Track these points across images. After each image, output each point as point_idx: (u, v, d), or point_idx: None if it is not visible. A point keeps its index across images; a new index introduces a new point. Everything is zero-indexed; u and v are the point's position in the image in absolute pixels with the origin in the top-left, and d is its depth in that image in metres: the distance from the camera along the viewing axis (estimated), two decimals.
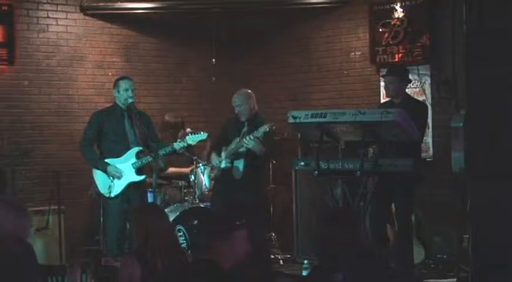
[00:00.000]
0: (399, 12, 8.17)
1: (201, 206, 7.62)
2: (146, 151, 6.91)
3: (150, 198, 7.15)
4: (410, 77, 6.99)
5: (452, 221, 7.28)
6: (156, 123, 7.47)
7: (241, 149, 7.08)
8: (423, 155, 7.47)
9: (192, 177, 7.79)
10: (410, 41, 8.09)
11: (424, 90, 7.98)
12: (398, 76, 6.77)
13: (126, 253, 6.47)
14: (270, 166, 8.46)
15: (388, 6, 8.27)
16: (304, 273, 6.37)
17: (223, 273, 3.66)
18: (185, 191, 7.89)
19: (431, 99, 7.93)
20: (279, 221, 8.25)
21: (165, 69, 9.32)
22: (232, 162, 7.16)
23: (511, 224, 4.81)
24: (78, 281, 5.56)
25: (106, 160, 6.92)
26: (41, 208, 7.65)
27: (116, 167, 6.87)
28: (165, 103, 9.15)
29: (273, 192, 8.51)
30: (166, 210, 7.11)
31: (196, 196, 7.75)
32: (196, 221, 7.37)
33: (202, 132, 7.07)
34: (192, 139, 6.98)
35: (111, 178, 6.88)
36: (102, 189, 6.93)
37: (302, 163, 6.39)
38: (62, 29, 8.53)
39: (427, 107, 7.08)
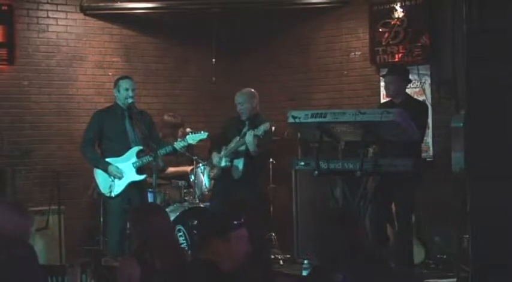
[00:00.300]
0: (399, 12, 8.17)
1: (201, 206, 7.62)
2: (147, 150, 6.92)
3: (150, 198, 7.15)
4: (410, 77, 6.99)
5: (452, 221, 7.29)
6: (155, 123, 7.47)
7: (240, 148, 7.08)
8: (423, 155, 7.47)
9: (192, 177, 7.79)
10: (410, 41, 8.09)
11: (424, 90, 7.98)
12: (399, 76, 6.77)
13: (126, 253, 6.47)
14: (270, 166, 8.46)
15: (388, 6, 8.27)
16: (304, 273, 6.37)
17: (223, 273, 3.67)
18: (185, 191, 7.88)
19: (431, 99, 7.93)
20: (279, 221, 8.24)
21: (165, 69, 9.32)
22: (232, 162, 7.16)
23: (511, 224, 4.81)
24: (78, 281, 5.56)
25: (107, 159, 6.93)
26: (41, 208, 7.65)
27: (116, 167, 6.88)
28: (165, 103, 9.15)
29: (273, 192, 8.51)
30: (166, 210, 7.11)
31: (196, 196, 7.75)
32: (196, 221, 7.37)
33: (202, 132, 7.07)
34: (192, 138, 6.98)
35: (112, 178, 6.89)
36: (103, 188, 6.94)
37: (302, 163, 6.39)
38: (62, 29, 8.53)
39: (427, 107, 7.08)
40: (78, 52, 8.64)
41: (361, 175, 5.92)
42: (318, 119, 5.99)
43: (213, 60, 9.33)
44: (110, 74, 8.74)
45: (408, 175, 6.04)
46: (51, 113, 8.46)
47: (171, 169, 8.12)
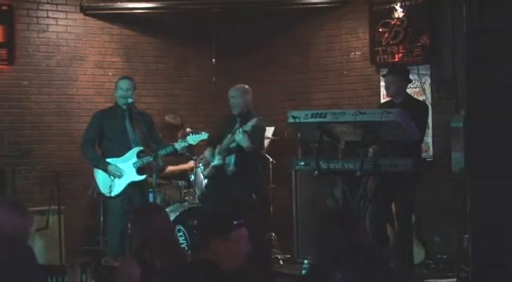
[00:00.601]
0: (399, 12, 8.17)
1: (201, 206, 7.61)
2: (147, 151, 6.92)
3: (150, 198, 7.15)
4: (410, 77, 6.99)
5: (452, 221, 7.29)
6: (155, 123, 7.47)
7: (231, 145, 7.07)
8: (423, 155, 7.47)
9: (192, 177, 7.79)
10: (410, 41, 8.09)
11: (424, 90, 7.98)
12: (399, 76, 6.77)
13: (126, 253, 6.47)
14: (270, 166, 8.46)
15: (388, 6, 8.27)
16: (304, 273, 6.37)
17: (223, 273, 3.67)
18: (185, 191, 7.88)
19: (431, 99, 7.93)
20: (279, 221, 8.25)
21: (165, 69, 9.31)
22: (224, 159, 7.16)
23: (511, 224, 4.81)
24: (78, 281, 5.56)
25: (107, 160, 6.93)
26: (41, 208, 7.65)
27: (116, 167, 6.88)
28: (165, 103, 9.15)
29: (273, 192, 8.51)
30: (166, 210, 7.11)
31: (196, 196, 7.75)
32: (196, 221, 7.37)
33: (203, 132, 7.07)
34: (193, 139, 6.99)
35: (112, 178, 6.89)
36: (103, 188, 6.95)
37: (302, 163, 6.39)
38: (62, 29, 8.53)
39: (427, 107, 7.08)
40: (78, 52, 8.64)
41: (361, 175, 5.92)
42: (318, 119, 5.99)
43: (213, 60, 9.33)
44: (110, 74, 8.75)
45: (408, 175, 6.03)
46: (51, 113, 8.45)
47: (170, 168, 8.12)
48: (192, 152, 7.68)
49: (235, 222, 3.72)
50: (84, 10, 8.64)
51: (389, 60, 8.22)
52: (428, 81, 8.01)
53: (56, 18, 8.49)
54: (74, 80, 8.61)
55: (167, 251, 4.36)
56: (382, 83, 7.84)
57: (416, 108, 6.58)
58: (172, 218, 7.24)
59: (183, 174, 8.03)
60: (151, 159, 6.77)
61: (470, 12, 5.01)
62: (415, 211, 7.03)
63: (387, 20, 8.26)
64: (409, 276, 4.80)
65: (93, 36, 8.75)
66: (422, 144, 7.04)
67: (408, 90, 7.12)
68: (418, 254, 7.21)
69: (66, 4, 8.55)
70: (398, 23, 8.17)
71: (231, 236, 3.68)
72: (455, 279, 6.56)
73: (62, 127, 8.50)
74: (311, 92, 9.04)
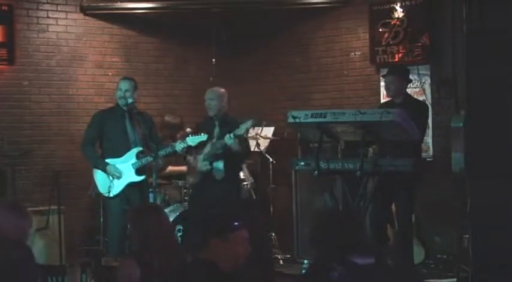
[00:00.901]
0: (399, 12, 8.16)
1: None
2: (147, 151, 6.92)
3: (150, 198, 7.15)
4: (410, 77, 6.99)
5: (452, 221, 7.29)
6: (156, 123, 7.47)
7: (219, 151, 7.04)
8: (423, 155, 7.47)
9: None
10: (410, 41, 8.09)
11: (424, 90, 7.98)
12: (399, 76, 6.77)
13: (126, 253, 6.47)
14: (270, 166, 8.47)
15: (388, 6, 8.27)
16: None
17: (223, 274, 3.67)
18: (185, 191, 7.88)
19: (431, 99, 7.93)
20: (279, 221, 8.24)
21: (165, 69, 9.32)
22: (211, 164, 7.12)
23: (511, 224, 4.81)
24: (78, 281, 5.57)
25: (106, 160, 6.93)
26: (41, 208, 7.64)
27: (115, 167, 6.88)
28: (165, 103, 9.15)
29: (273, 192, 8.51)
30: (166, 210, 7.11)
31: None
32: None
33: (202, 133, 7.05)
34: (192, 140, 6.97)
35: (111, 178, 6.89)
36: (102, 188, 6.95)
37: (302, 163, 6.39)
38: (62, 29, 8.53)
39: (427, 107, 7.08)
40: (78, 52, 8.64)
41: (361, 175, 5.91)
42: (318, 119, 5.99)
43: (213, 60, 9.33)
44: (110, 74, 8.75)
45: (408, 175, 6.03)
46: (51, 113, 8.45)
47: (170, 168, 8.12)
48: (191, 152, 7.66)
49: (235, 223, 3.72)
50: (84, 10, 8.64)
51: (389, 60, 8.22)
52: (428, 81, 8.01)
53: (56, 18, 8.49)
54: (74, 80, 8.61)
55: (167, 251, 4.35)
56: (382, 83, 7.84)
57: (416, 108, 6.58)
58: (172, 218, 7.26)
59: (183, 174, 8.02)
60: (150, 159, 6.76)
61: (470, 12, 5.01)
62: (415, 211, 7.03)
63: (387, 20, 8.26)
64: (409, 275, 4.79)
65: (93, 36, 8.75)
66: (422, 144, 7.04)
67: (408, 90, 7.12)
68: (418, 254, 7.20)
69: (66, 4, 8.55)
70: (398, 23, 8.17)
71: (231, 236, 3.68)
72: (455, 279, 6.56)
73: (62, 127, 8.50)
74: (311, 92, 9.04)
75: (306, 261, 6.73)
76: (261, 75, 9.47)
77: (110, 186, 6.88)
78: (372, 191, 6.13)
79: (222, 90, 7.31)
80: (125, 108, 6.97)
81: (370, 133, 5.90)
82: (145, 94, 8.85)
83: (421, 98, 7.73)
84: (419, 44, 8.02)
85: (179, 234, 7.27)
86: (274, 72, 9.41)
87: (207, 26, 9.25)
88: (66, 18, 8.56)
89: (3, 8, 8.07)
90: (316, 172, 6.12)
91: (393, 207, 6.81)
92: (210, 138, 7.05)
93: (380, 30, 8.32)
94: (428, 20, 8.00)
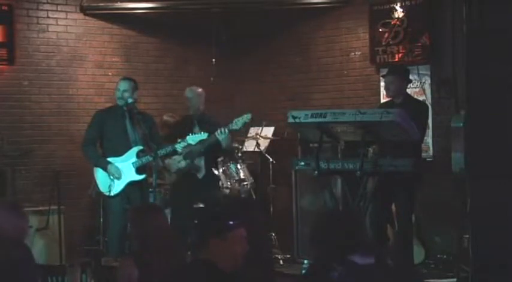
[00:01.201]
0: (399, 12, 8.16)
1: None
2: (147, 150, 6.92)
3: (150, 198, 7.15)
4: (410, 77, 6.99)
5: (452, 221, 7.28)
6: (156, 123, 7.47)
7: (204, 148, 7.11)
8: (423, 155, 7.47)
9: None
10: (410, 41, 8.09)
11: (424, 90, 7.98)
12: (399, 76, 6.76)
13: (125, 253, 6.47)
14: (270, 166, 8.47)
15: (388, 6, 8.27)
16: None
17: (223, 273, 3.67)
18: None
19: (431, 99, 7.93)
20: (279, 221, 8.24)
21: (165, 69, 9.32)
22: (192, 162, 7.20)
23: (511, 224, 4.81)
24: (78, 281, 5.57)
25: (107, 159, 6.94)
26: (41, 208, 7.64)
27: (116, 166, 6.89)
28: (165, 103, 9.15)
29: (273, 192, 8.51)
30: (166, 210, 7.11)
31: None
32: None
33: (202, 132, 7.06)
34: (192, 139, 6.98)
35: (111, 177, 6.89)
36: (102, 188, 6.95)
37: (302, 163, 6.38)
38: (62, 29, 8.53)
39: (427, 107, 7.08)
40: (78, 52, 8.64)
41: (361, 175, 5.91)
42: (318, 119, 5.98)
43: (213, 60, 9.33)
44: (110, 74, 8.75)
45: (408, 175, 6.03)
46: (51, 113, 8.46)
47: None
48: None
49: (233, 222, 3.72)
50: (84, 10, 8.64)
51: (389, 60, 8.22)
52: (428, 81, 8.01)
53: (56, 18, 8.49)
54: (74, 80, 8.61)
55: (166, 251, 4.35)
56: (382, 83, 7.84)
57: (416, 108, 6.58)
58: None
59: None
60: (150, 159, 6.76)
61: (470, 12, 5.01)
62: (415, 211, 7.03)
63: (387, 20, 8.26)
64: (408, 275, 4.80)
65: (93, 36, 8.75)
66: (422, 144, 7.04)
67: (408, 90, 7.12)
68: (418, 254, 7.20)
69: (66, 4, 8.55)
70: (398, 23, 8.17)
71: (229, 236, 3.68)
72: (455, 279, 6.55)
73: (62, 127, 8.50)
74: (311, 92, 9.04)
75: (306, 261, 6.73)
76: (261, 75, 9.46)
77: (110, 185, 6.88)
78: (372, 191, 6.13)
79: (200, 89, 7.53)
80: (124, 108, 6.97)
81: (370, 133, 5.90)
82: (145, 94, 8.85)
83: (421, 98, 7.73)
84: (419, 44, 8.02)
85: None
86: (274, 72, 9.41)
87: (207, 26, 9.25)
88: (66, 18, 8.56)
89: (3, 8, 8.07)
90: (316, 172, 6.12)
91: (393, 207, 6.81)
92: (187, 135, 7.11)
93: (380, 30, 8.32)
94: (428, 20, 8.00)
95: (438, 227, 7.72)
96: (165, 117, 8.43)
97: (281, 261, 7.68)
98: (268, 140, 8.67)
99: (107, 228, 7.20)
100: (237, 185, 8.19)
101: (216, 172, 7.75)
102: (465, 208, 5.63)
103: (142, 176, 6.97)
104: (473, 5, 4.98)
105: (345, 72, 8.75)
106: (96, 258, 6.33)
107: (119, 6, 8.73)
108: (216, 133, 7.00)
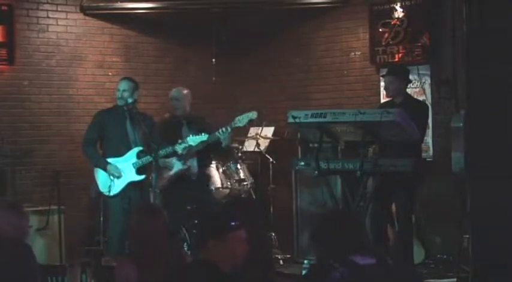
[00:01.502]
0: (399, 12, 8.17)
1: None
2: (147, 151, 6.92)
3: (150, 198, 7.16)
4: (410, 77, 6.99)
5: (452, 221, 7.28)
6: (157, 123, 7.47)
7: (200, 147, 7.13)
8: (423, 155, 7.47)
9: None
10: (410, 41, 8.09)
11: (424, 90, 7.98)
12: (399, 76, 6.77)
13: (125, 253, 6.47)
14: (270, 166, 8.47)
15: (388, 6, 8.27)
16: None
17: (223, 274, 3.67)
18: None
19: (431, 99, 7.93)
20: (279, 221, 8.25)
21: (165, 69, 9.32)
22: (185, 163, 7.23)
23: (511, 224, 4.81)
24: (78, 281, 5.56)
25: (107, 159, 6.94)
26: (41, 208, 7.64)
27: (115, 167, 6.89)
28: (165, 103, 9.12)
29: (273, 192, 8.51)
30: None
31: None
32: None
33: (202, 133, 7.06)
34: (193, 140, 6.98)
35: (111, 177, 6.90)
36: (102, 188, 6.96)
37: (302, 163, 6.39)
38: (62, 29, 8.53)
39: (427, 107, 7.08)
40: (78, 52, 8.64)
41: (361, 175, 5.92)
42: (318, 119, 5.99)
43: (213, 60, 9.33)
44: (110, 74, 8.75)
45: (408, 175, 6.03)
46: (51, 113, 8.45)
47: None
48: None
49: (232, 223, 3.72)
50: (84, 10, 8.64)
51: (389, 60, 8.22)
52: (428, 81, 8.01)
53: (56, 18, 8.49)
54: (74, 80, 8.61)
55: (166, 251, 4.35)
56: (382, 83, 7.84)
57: (416, 108, 6.58)
58: None
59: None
60: (150, 159, 6.76)
61: (470, 12, 5.01)
62: (415, 211, 7.03)
63: (387, 20, 8.26)
64: (409, 275, 4.80)
65: (93, 36, 8.75)
66: (422, 144, 7.04)
67: (408, 90, 7.12)
68: (418, 254, 7.21)
69: (66, 4, 8.55)
70: (398, 23, 8.18)
71: (229, 237, 3.68)
72: (455, 279, 6.55)
73: (62, 127, 8.50)
74: (311, 92, 9.04)
75: (306, 261, 6.72)
76: (261, 75, 9.47)
77: (110, 186, 6.88)
78: (372, 191, 6.13)
79: (187, 90, 7.58)
80: (125, 108, 6.97)
81: (370, 133, 5.90)
82: (145, 94, 8.84)
83: (421, 98, 7.73)
84: (419, 44, 8.02)
85: None
86: (274, 72, 9.41)
87: (207, 26, 9.25)
88: (66, 18, 8.56)
89: (3, 8, 8.07)
90: (316, 172, 6.12)
91: (393, 207, 6.81)
92: (178, 137, 7.11)
93: (380, 30, 8.32)
94: (428, 20, 8.00)
95: (438, 227, 7.72)
96: (165, 116, 8.41)
97: (281, 261, 7.68)
98: (268, 140, 8.67)
99: (107, 228, 7.20)
100: (237, 185, 8.19)
101: (207, 172, 7.75)
102: (465, 208, 5.63)
103: (142, 177, 6.97)
104: (473, 5, 4.98)
105: (345, 72, 8.75)
106: (96, 258, 6.33)
107: (119, 6, 8.73)
108: (217, 132, 7.01)
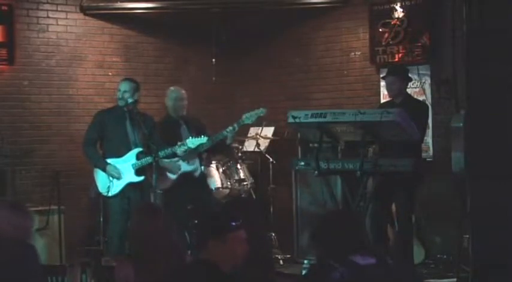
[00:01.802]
0: (399, 12, 8.17)
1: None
2: (147, 152, 6.92)
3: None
4: (409, 76, 6.99)
5: (452, 221, 7.28)
6: (157, 123, 7.47)
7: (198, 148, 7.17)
8: (423, 155, 7.47)
9: None
10: (410, 41, 8.09)
11: (424, 90, 7.98)
12: (399, 76, 6.77)
13: (124, 254, 6.47)
14: (270, 166, 8.47)
15: (388, 6, 8.27)
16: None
17: (223, 274, 3.67)
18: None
19: (431, 99, 7.93)
20: (279, 221, 8.25)
21: (165, 69, 9.32)
22: (188, 162, 7.29)
23: (511, 224, 4.81)
24: (78, 281, 5.56)
25: (107, 160, 6.94)
26: (41, 208, 7.64)
27: (115, 167, 6.89)
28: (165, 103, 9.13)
29: (273, 192, 8.51)
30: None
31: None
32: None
33: (202, 136, 7.06)
34: (192, 142, 6.98)
35: (110, 178, 6.89)
36: (101, 188, 6.96)
37: (302, 163, 6.39)
38: (62, 29, 8.53)
39: (427, 107, 7.08)
40: (78, 52, 8.64)
41: (361, 175, 5.92)
42: (318, 119, 5.99)
43: (213, 60, 9.33)
44: (110, 74, 8.75)
45: (408, 175, 6.04)
46: (51, 113, 8.45)
47: None
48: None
49: (232, 224, 3.72)
50: (84, 10, 8.64)
51: (389, 60, 8.22)
52: (428, 81, 8.01)
53: (56, 18, 8.49)
54: (74, 80, 8.61)
55: (166, 252, 4.35)
56: (382, 83, 7.84)
57: (416, 108, 6.59)
58: None
59: None
60: (150, 160, 6.76)
61: (470, 12, 5.01)
62: (415, 211, 7.03)
63: (387, 20, 8.26)
64: (409, 275, 4.80)
65: (93, 36, 8.75)
66: (422, 144, 7.04)
67: (408, 90, 7.13)
68: (418, 254, 7.21)
69: (66, 4, 8.55)
70: (398, 23, 8.17)
71: (229, 237, 3.68)
72: (455, 279, 6.56)
73: (62, 127, 8.50)
74: (311, 92, 9.04)
75: (306, 261, 6.73)
76: (261, 75, 9.46)
77: (109, 186, 6.88)
78: (372, 191, 6.13)
79: (184, 90, 7.62)
80: (125, 108, 6.97)
81: (370, 133, 5.91)
82: (145, 94, 8.82)
83: (421, 98, 7.73)
84: (419, 44, 8.02)
85: None
86: (274, 72, 9.41)
87: (207, 26, 9.25)
88: (66, 18, 8.56)
89: (3, 8, 8.07)
90: (316, 172, 6.13)
91: (393, 207, 6.81)
92: (177, 138, 7.11)
93: (380, 30, 8.32)
94: (428, 20, 8.00)
95: (438, 227, 7.72)
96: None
97: (281, 261, 7.68)
98: (268, 140, 8.67)
99: (107, 228, 7.20)
100: (237, 185, 8.19)
101: (206, 171, 7.77)
102: (465, 208, 5.63)
103: (141, 178, 6.96)
104: (473, 5, 4.98)
105: (345, 72, 8.75)
106: (96, 258, 6.32)
107: (119, 6, 8.73)
108: (225, 130, 7.11)
